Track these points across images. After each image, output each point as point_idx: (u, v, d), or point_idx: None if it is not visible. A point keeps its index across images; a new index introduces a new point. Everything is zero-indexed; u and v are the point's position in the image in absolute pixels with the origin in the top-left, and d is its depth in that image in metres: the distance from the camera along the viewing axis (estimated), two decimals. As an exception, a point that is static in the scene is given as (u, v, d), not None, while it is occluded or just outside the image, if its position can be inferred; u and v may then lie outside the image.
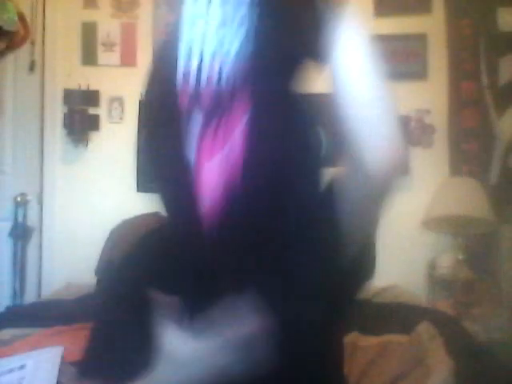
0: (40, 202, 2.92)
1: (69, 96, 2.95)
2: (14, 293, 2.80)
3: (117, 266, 0.95)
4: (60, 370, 1.40)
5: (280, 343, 0.75)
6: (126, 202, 2.89)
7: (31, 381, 1.38)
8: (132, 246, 0.95)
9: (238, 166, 0.79)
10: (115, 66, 3.00)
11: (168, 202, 0.89)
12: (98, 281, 2.47)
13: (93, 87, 2.96)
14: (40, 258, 2.91)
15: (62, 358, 1.46)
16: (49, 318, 1.90)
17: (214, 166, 0.80)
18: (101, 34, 2.99)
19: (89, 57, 3.00)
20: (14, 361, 1.47)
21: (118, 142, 2.97)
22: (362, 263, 0.85)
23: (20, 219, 2.83)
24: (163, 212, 0.91)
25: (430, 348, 1.59)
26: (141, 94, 0.98)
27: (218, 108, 0.80)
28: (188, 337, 0.78)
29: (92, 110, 2.97)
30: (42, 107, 2.94)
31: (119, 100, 2.98)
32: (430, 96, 2.87)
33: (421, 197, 2.73)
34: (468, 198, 2.59)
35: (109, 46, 2.99)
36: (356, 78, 0.78)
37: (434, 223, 2.72)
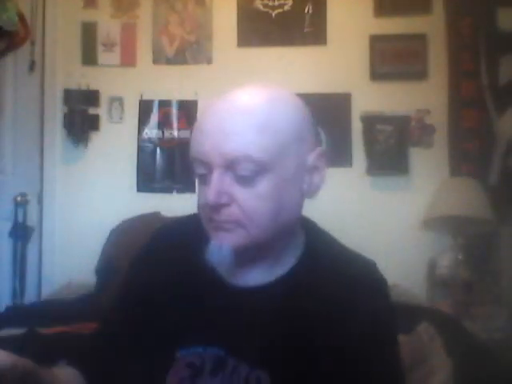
0: (40, 202, 2.92)
1: (69, 96, 2.95)
2: (14, 293, 2.80)
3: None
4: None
5: None
6: (126, 202, 2.89)
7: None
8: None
9: None
10: (115, 66, 2.99)
11: None
12: (98, 280, 2.48)
13: (93, 87, 2.95)
14: (40, 257, 2.91)
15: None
16: (49, 318, 1.90)
17: None
18: (101, 34, 2.98)
19: (89, 57, 2.99)
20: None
21: (118, 142, 2.97)
22: None
23: (20, 219, 2.83)
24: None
25: (430, 348, 1.59)
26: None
27: None
28: None
29: (92, 110, 2.96)
30: (42, 107, 2.94)
31: (119, 100, 2.98)
32: (430, 96, 2.86)
33: (421, 197, 2.74)
34: (468, 198, 2.59)
35: (109, 46, 2.98)
36: None
37: (433, 223, 2.72)
